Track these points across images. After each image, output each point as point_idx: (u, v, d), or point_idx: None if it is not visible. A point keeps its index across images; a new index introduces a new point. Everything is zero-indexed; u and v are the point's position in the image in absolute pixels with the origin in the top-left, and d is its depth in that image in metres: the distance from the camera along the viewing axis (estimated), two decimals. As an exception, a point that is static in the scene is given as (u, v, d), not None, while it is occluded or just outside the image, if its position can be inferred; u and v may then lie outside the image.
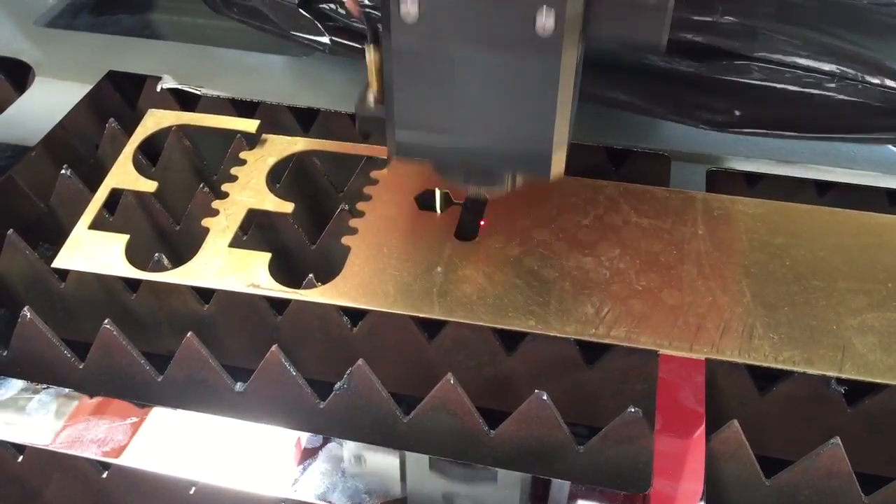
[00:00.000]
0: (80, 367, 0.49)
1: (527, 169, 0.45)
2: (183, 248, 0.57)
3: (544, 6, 0.38)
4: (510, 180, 0.47)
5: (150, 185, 0.54)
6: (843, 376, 0.45)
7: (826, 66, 0.60)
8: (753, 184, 0.60)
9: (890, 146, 0.62)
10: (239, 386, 0.48)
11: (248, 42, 0.71)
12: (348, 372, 0.46)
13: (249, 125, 0.58)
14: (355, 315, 0.51)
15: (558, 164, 0.43)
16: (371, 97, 0.45)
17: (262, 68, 0.68)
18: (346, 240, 0.52)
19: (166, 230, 0.58)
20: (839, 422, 0.48)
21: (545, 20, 0.38)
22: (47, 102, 0.65)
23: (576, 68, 0.41)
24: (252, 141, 0.58)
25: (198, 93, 0.64)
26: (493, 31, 0.39)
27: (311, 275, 0.50)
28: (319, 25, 0.64)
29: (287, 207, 0.53)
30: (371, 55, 0.43)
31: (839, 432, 0.47)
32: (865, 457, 0.48)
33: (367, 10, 0.42)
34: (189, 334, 0.46)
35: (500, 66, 0.40)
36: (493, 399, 0.51)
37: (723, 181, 0.60)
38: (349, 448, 0.44)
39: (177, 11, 0.79)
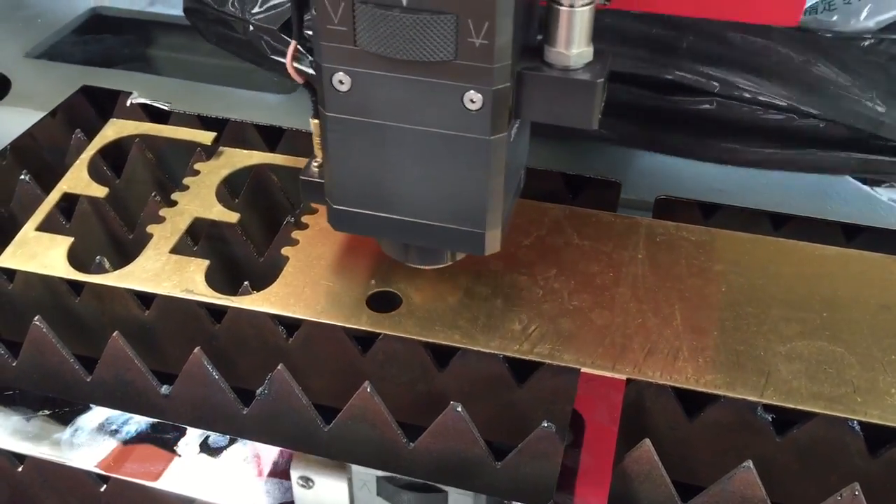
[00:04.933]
0: (13, 364, 0.49)
1: (460, 247, 0.46)
2: (135, 255, 0.58)
3: (472, 90, 0.39)
4: (450, 256, 0.48)
5: (101, 191, 0.55)
6: (764, 401, 0.44)
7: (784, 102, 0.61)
8: (709, 215, 0.60)
9: (848, 177, 0.61)
10: (165, 388, 0.48)
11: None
12: (268, 377, 0.46)
13: (205, 137, 0.59)
14: (294, 326, 0.51)
15: (493, 241, 0.44)
16: (314, 165, 0.48)
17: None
18: (285, 251, 0.52)
19: (120, 237, 0.59)
20: (769, 451, 0.47)
21: (473, 97, 0.39)
22: (23, 114, 0.66)
23: (509, 144, 0.42)
24: (211, 153, 0.59)
25: (166, 108, 0.65)
26: (422, 107, 0.40)
27: (246, 282, 0.50)
28: (301, 49, 0.66)
29: (232, 217, 0.54)
30: (314, 126, 0.45)
31: (769, 462, 0.47)
32: (796, 488, 0.47)
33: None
34: (115, 334, 0.47)
35: (430, 141, 0.41)
36: (425, 416, 0.51)
37: (677, 210, 0.59)
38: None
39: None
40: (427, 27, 0.37)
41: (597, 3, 0.40)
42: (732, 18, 0.44)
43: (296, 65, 0.43)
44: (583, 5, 0.39)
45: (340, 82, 0.40)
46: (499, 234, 0.44)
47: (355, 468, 0.45)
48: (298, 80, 0.43)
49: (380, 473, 0.44)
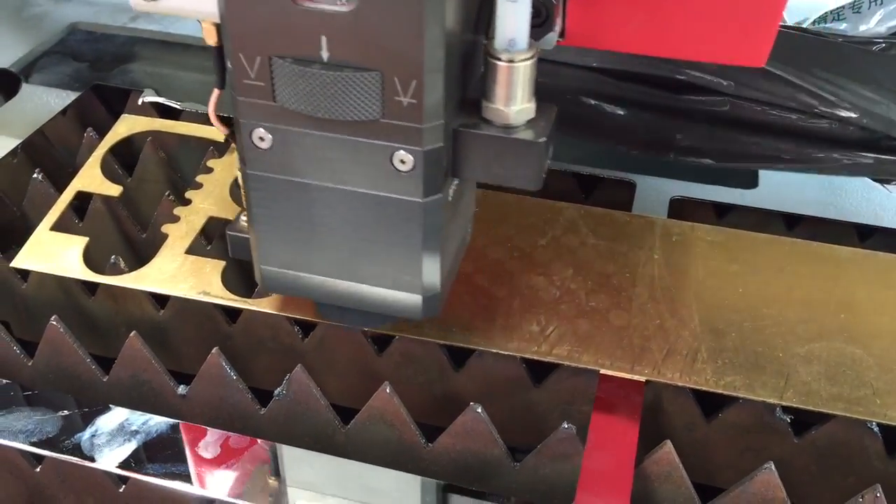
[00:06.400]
0: (29, 363, 0.49)
1: (396, 311, 0.42)
2: (148, 254, 0.57)
3: (401, 150, 0.36)
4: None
5: (115, 189, 0.55)
6: (784, 403, 0.44)
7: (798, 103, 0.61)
8: (722, 214, 0.60)
9: (867, 178, 0.61)
10: (182, 388, 0.48)
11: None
12: (287, 378, 0.46)
13: (218, 133, 0.58)
14: (309, 326, 0.51)
15: (430, 306, 0.41)
16: (243, 219, 0.44)
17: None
18: (301, 250, 0.52)
19: (133, 236, 0.58)
20: (787, 452, 0.47)
21: (403, 157, 0.36)
22: (34, 110, 0.66)
23: (446, 205, 0.38)
24: (223, 150, 0.59)
25: (178, 107, 0.65)
26: (349, 166, 0.37)
27: (262, 283, 0.50)
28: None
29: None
30: (241, 178, 0.41)
31: (787, 463, 0.47)
32: (814, 490, 0.47)
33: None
34: (133, 334, 0.47)
35: (360, 203, 0.38)
36: (442, 416, 0.51)
37: (690, 210, 0.59)
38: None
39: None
40: (350, 85, 0.34)
41: (538, 52, 0.36)
42: (699, 59, 0.42)
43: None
44: (523, 60, 0.35)
45: (260, 139, 0.37)
46: (437, 297, 0.41)
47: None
48: (222, 130, 0.41)
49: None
